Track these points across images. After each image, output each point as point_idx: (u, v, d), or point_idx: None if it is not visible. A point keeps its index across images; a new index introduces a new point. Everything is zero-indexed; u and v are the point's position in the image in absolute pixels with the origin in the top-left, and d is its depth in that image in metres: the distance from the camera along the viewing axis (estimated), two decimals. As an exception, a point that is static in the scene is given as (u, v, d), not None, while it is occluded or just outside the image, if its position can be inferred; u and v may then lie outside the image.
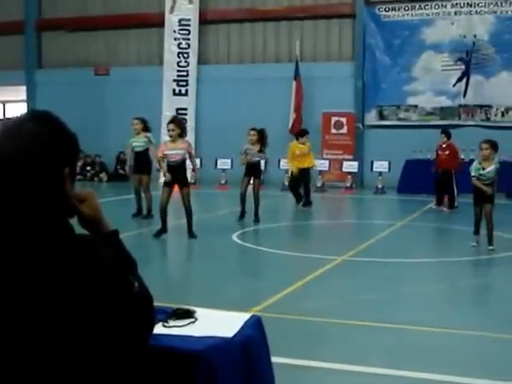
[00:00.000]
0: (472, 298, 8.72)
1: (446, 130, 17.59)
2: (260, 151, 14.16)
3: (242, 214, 14.33)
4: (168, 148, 12.24)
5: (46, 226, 1.91)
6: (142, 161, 14.71)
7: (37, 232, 1.89)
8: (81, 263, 1.87)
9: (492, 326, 7.04)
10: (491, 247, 11.20)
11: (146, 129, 15.03)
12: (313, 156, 17.72)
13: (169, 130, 12.27)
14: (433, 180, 17.19)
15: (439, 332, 6.87)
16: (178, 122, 12.52)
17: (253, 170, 14.26)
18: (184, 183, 12.34)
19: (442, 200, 16.84)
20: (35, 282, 1.83)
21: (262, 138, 14.17)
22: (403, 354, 6.20)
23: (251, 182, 14.30)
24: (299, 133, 18.02)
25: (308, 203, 17.18)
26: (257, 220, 14.21)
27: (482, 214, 11.34)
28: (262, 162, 15.18)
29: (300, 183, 17.27)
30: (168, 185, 12.29)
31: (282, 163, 21.40)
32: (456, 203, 16.68)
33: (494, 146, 11.39)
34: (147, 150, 14.71)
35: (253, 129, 14.35)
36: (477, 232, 11.48)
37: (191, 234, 12.42)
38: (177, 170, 12.13)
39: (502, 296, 8.70)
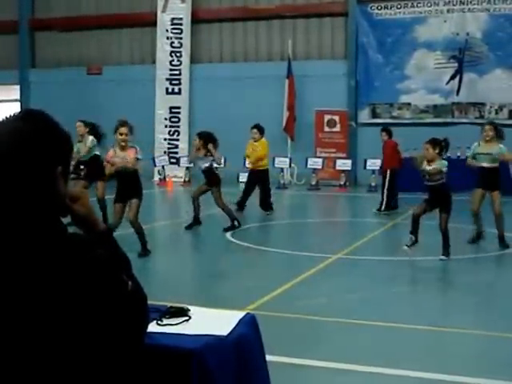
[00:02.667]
0: (466, 296, 8.71)
1: (386, 128, 16.77)
2: (205, 156, 13.06)
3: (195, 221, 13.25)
4: (116, 155, 10.50)
5: (38, 225, 1.90)
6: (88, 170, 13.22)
7: (29, 231, 1.89)
8: (74, 262, 1.87)
9: (488, 325, 7.04)
10: (443, 257, 10.35)
11: (93, 133, 13.37)
12: (262, 157, 15.74)
13: (121, 134, 10.38)
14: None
15: (433, 330, 6.88)
16: (131, 127, 10.64)
17: (205, 176, 13.31)
18: (134, 193, 10.42)
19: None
20: (27, 282, 1.83)
21: (206, 142, 13.10)
22: (397, 353, 6.20)
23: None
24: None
25: (268, 207, 15.63)
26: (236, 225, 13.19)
27: (424, 213, 10.60)
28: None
29: (253, 185, 15.65)
30: (118, 200, 10.56)
31: (276, 161, 21.45)
32: (385, 205, 15.77)
33: (436, 145, 10.38)
34: (92, 157, 13.29)
35: (197, 134, 13.53)
36: (414, 232, 10.55)
37: (144, 251, 10.62)
38: (126, 181, 10.42)
39: (501, 294, 8.68)
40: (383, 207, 15.74)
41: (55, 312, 1.83)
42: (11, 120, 1.99)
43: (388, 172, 16.02)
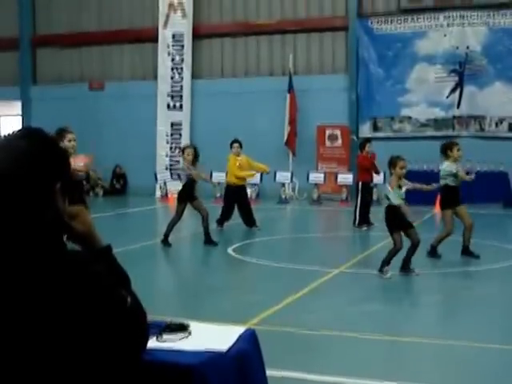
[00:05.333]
0: (470, 309, 8.69)
1: (361, 141, 16.67)
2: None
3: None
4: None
5: (38, 242, 1.92)
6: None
7: (30, 248, 1.90)
8: (73, 279, 1.88)
9: (492, 337, 7.02)
10: (416, 271, 10.22)
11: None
12: (247, 170, 15.89)
13: (70, 141, 9.81)
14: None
15: (437, 343, 6.87)
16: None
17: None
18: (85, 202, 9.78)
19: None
20: (28, 298, 1.84)
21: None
22: (401, 366, 6.20)
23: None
24: (230, 143, 16.03)
25: (253, 222, 15.53)
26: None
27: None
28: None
29: (235, 200, 15.67)
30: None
31: (277, 176, 21.47)
32: (357, 220, 15.73)
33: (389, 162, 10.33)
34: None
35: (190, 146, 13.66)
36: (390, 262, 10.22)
37: None
38: (81, 187, 10.10)
39: (503, 307, 8.66)
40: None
41: (54, 327, 1.84)
42: (12, 138, 2.01)
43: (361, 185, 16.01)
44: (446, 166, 11.46)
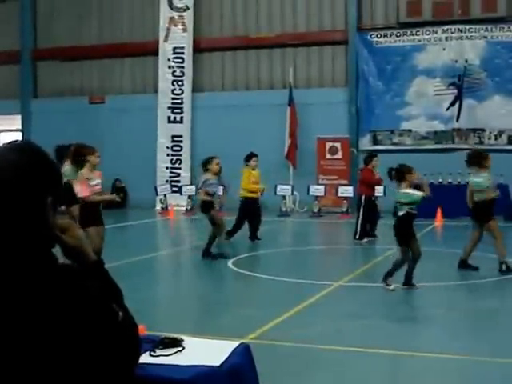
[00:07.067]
0: (470, 322, 8.67)
1: (367, 155, 16.92)
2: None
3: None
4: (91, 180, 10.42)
5: (29, 256, 1.91)
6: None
7: (21, 261, 1.89)
8: (64, 292, 1.87)
9: (491, 351, 6.98)
10: (417, 286, 10.23)
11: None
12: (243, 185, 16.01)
13: (99, 156, 10.51)
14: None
15: (437, 357, 6.84)
16: None
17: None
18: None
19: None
20: (19, 312, 1.83)
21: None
22: (402, 381, 6.17)
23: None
24: (248, 156, 16.07)
25: (256, 236, 15.72)
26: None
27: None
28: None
29: (250, 214, 15.75)
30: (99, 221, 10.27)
31: (278, 189, 21.45)
32: (358, 233, 15.50)
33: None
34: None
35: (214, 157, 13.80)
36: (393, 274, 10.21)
37: None
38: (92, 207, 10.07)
39: (503, 321, 8.63)
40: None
41: (44, 341, 1.82)
42: (3, 151, 2.00)
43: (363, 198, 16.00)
44: (483, 180, 11.35)
